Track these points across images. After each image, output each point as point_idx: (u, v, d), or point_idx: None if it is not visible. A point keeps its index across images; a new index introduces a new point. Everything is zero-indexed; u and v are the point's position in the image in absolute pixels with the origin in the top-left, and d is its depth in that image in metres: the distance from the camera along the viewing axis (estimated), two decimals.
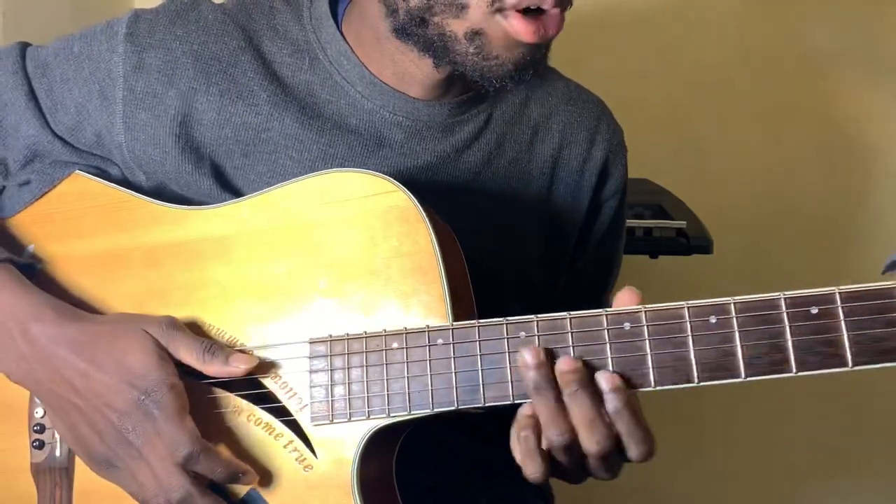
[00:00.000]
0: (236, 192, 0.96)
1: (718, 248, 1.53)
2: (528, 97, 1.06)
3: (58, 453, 0.88)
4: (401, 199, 0.84)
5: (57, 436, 0.88)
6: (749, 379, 0.74)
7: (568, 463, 0.79)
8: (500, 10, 0.88)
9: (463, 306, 0.83)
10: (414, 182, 0.95)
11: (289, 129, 0.96)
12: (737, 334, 0.74)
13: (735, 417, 1.91)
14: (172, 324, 0.85)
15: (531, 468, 0.79)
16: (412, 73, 0.96)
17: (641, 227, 1.53)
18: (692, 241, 1.52)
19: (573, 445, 0.77)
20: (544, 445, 0.78)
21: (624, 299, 0.78)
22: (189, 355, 0.83)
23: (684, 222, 1.54)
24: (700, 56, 1.89)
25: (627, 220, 1.52)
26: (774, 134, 1.90)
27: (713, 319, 0.75)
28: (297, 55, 0.99)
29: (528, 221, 1.04)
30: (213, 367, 0.83)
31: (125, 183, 0.96)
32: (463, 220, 0.90)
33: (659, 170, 1.71)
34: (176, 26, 0.97)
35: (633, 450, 0.78)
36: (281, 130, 0.96)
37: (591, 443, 0.76)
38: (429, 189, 0.90)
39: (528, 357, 0.76)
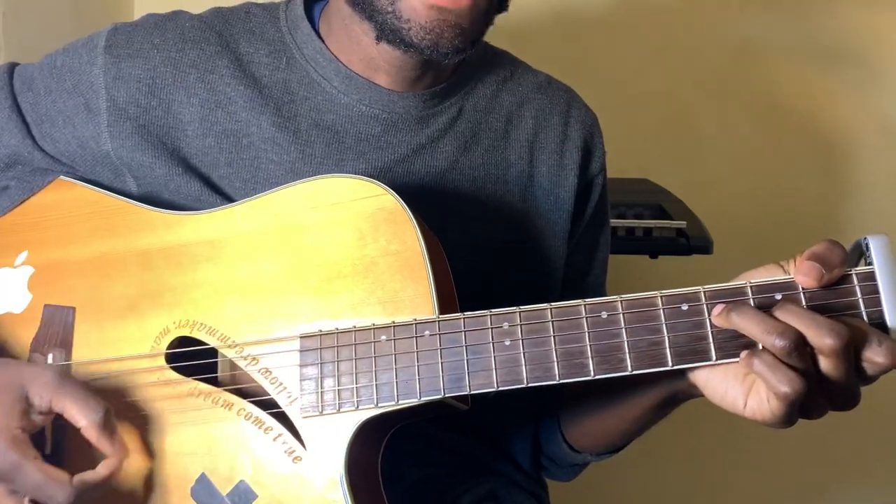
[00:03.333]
0: (225, 197, 0.97)
1: (718, 248, 1.53)
2: (498, 89, 1.07)
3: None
4: (389, 202, 0.86)
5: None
6: (720, 362, 0.76)
7: (803, 366, 0.73)
8: None
9: (447, 305, 0.85)
10: (392, 174, 0.96)
11: (266, 132, 0.97)
12: (707, 321, 0.76)
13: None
14: (62, 378, 0.83)
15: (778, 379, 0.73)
16: (375, 57, 0.97)
17: (641, 227, 1.53)
18: (692, 241, 1.52)
19: (800, 346, 0.72)
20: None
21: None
22: (78, 414, 0.81)
23: (684, 222, 1.54)
24: (700, 55, 1.89)
25: (627, 220, 1.54)
26: (774, 134, 1.90)
27: (684, 307, 0.77)
28: (273, 55, 1.00)
29: (511, 206, 1.05)
30: (102, 440, 0.81)
31: (116, 191, 0.98)
32: (444, 209, 0.91)
33: (659, 170, 1.71)
34: (154, 36, 0.99)
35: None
36: (259, 135, 0.97)
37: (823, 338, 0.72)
38: (407, 180, 0.92)
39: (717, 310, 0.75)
